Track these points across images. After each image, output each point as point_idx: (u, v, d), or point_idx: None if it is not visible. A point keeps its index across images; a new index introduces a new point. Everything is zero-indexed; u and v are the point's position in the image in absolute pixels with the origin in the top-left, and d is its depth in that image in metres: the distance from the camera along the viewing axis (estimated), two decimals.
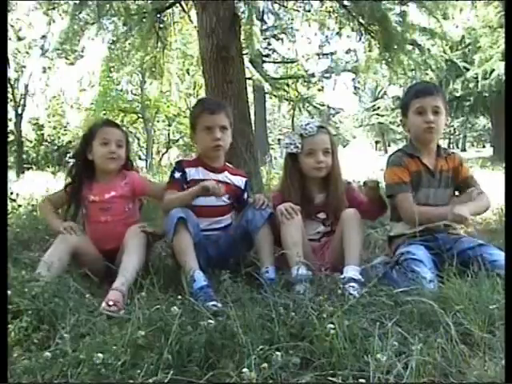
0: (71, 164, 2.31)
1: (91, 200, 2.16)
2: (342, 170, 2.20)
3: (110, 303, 1.58)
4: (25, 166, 20.07)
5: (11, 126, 19.74)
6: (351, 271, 1.81)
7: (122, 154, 2.20)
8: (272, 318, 1.32)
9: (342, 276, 1.75)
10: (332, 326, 1.22)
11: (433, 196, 2.06)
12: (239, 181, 2.28)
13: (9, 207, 3.40)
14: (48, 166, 17.43)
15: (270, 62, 16.33)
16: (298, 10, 7.69)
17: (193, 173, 2.17)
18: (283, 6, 8.55)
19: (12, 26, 15.54)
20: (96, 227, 2.15)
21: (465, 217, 1.83)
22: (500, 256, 1.76)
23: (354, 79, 14.23)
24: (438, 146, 2.12)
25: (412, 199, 2.01)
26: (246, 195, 2.29)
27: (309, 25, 7.88)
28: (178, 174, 2.16)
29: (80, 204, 2.20)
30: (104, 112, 19.75)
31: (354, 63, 10.91)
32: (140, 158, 22.41)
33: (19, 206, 3.71)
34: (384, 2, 5.36)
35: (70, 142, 24.58)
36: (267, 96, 16.83)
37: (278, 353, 1.15)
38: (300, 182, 2.16)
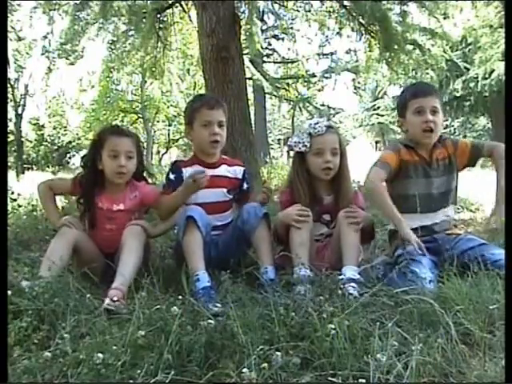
0: (81, 174, 2.20)
1: (99, 206, 2.14)
2: (351, 173, 2.18)
3: (115, 299, 1.57)
4: (25, 165, 20.06)
5: (11, 126, 19.73)
6: (349, 271, 1.80)
7: (131, 166, 2.13)
8: (272, 318, 1.32)
9: (341, 276, 1.75)
10: (332, 326, 1.22)
11: (435, 185, 2.06)
12: (238, 171, 2.28)
13: (9, 207, 3.40)
14: (48, 166, 17.46)
15: (270, 62, 16.34)
16: (298, 10, 7.71)
17: (190, 172, 2.15)
18: (283, 5, 8.56)
19: (13, 27, 15.49)
20: (100, 233, 2.14)
21: (414, 241, 1.85)
22: (502, 255, 1.75)
23: (354, 79, 14.23)
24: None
25: (383, 177, 1.99)
26: (245, 185, 2.28)
27: (309, 25, 7.89)
28: (172, 176, 2.17)
29: (93, 211, 2.15)
30: (104, 112, 19.71)
31: (354, 63, 10.91)
32: None
33: (19, 206, 3.71)
34: (384, 1, 5.37)
35: (69, 142, 24.60)
36: (267, 96, 16.81)
37: (278, 353, 1.15)
38: (308, 182, 2.15)
